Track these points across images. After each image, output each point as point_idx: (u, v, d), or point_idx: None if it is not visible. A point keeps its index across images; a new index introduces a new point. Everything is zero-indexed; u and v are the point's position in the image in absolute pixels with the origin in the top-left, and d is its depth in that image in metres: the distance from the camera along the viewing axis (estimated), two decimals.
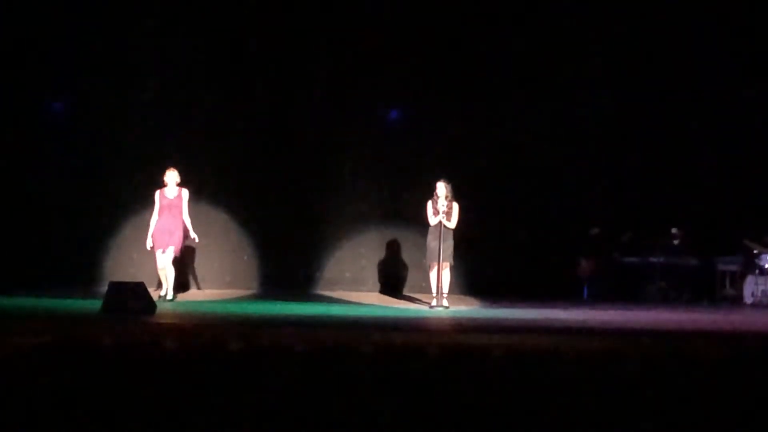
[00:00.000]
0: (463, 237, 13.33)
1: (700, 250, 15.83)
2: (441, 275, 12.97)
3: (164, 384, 5.60)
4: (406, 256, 15.66)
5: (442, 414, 5.08)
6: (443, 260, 12.90)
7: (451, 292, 13.33)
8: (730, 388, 5.95)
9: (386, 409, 5.08)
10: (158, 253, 13.08)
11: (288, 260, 15.66)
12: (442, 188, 12.98)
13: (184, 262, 14.48)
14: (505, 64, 15.78)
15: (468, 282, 15.52)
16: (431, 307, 13.08)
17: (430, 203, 13.05)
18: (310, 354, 6.87)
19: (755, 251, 15.40)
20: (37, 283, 14.25)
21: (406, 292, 15.46)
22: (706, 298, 15.67)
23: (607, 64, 15.86)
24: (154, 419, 4.86)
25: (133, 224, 14.83)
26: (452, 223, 12.97)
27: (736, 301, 15.50)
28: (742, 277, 15.63)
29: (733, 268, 15.88)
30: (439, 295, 13.02)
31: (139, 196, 13.93)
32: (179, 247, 13.17)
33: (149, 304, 11.13)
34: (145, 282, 11.72)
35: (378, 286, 15.84)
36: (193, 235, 13.20)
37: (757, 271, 15.33)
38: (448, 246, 12.95)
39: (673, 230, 15.92)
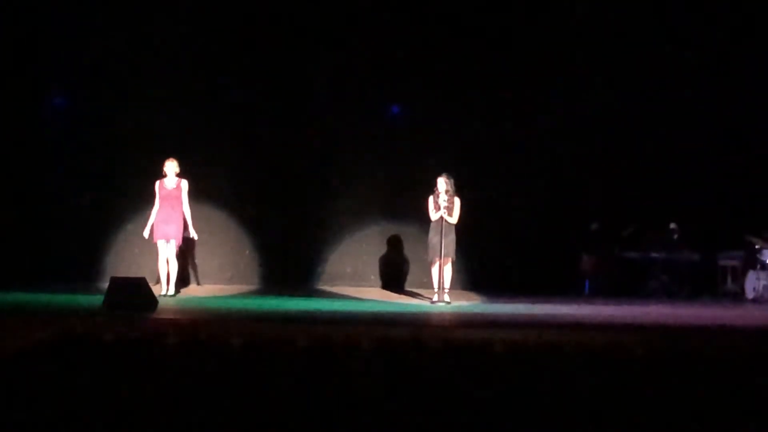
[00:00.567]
0: (464, 232, 13.33)
1: (702, 246, 15.83)
2: (442, 270, 12.98)
3: (166, 380, 5.61)
4: (408, 251, 15.67)
5: (444, 409, 5.08)
6: (445, 255, 12.91)
7: (452, 287, 13.34)
8: (731, 384, 5.96)
9: (388, 404, 5.08)
10: (160, 245, 13.07)
11: (289, 255, 15.67)
12: (443, 183, 12.97)
13: (184, 257, 14.48)
14: (507, 59, 15.78)
15: (469, 277, 15.54)
16: (432, 302, 13.09)
17: (431, 198, 13.05)
18: (312, 349, 6.87)
19: (756, 246, 15.39)
20: (39, 278, 14.26)
21: (407, 288, 15.47)
22: (708, 293, 15.68)
23: (609, 59, 15.85)
24: (157, 415, 4.86)
25: (135, 220, 14.83)
26: (453, 218, 12.97)
27: (738, 296, 15.50)
28: (744, 272, 15.63)
29: (734, 263, 15.89)
30: (440, 291, 13.04)
31: (141, 192, 13.91)
32: (180, 238, 13.15)
33: (151, 300, 11.11)
34: (146, 278, 11.72)
35: (379, 281, 15.86)
36: (191, 231, 13.16)
37: (758, 266, 15.32)
38: (449, 241, 12.95)
39: (671, 225, 15.92)
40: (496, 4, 15.71)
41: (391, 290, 15.30)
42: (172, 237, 13.03)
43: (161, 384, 5.46)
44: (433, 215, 12.99)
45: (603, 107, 15.91)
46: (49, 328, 7.95)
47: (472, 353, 6.94)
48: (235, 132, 15.64)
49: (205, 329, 8.82)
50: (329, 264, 15.87)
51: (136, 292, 11.00)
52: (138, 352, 6.64)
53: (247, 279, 15.61)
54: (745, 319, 12.01)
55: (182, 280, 14.28)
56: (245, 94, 15.61)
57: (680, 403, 5.40)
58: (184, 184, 13.17)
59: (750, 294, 15.34)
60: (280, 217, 15.64)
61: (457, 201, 13.01)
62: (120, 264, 15.07)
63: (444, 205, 12.87)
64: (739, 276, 15.74)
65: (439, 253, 12.88)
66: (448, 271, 13.07)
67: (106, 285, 11.47)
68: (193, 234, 13.24)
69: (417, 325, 10.62)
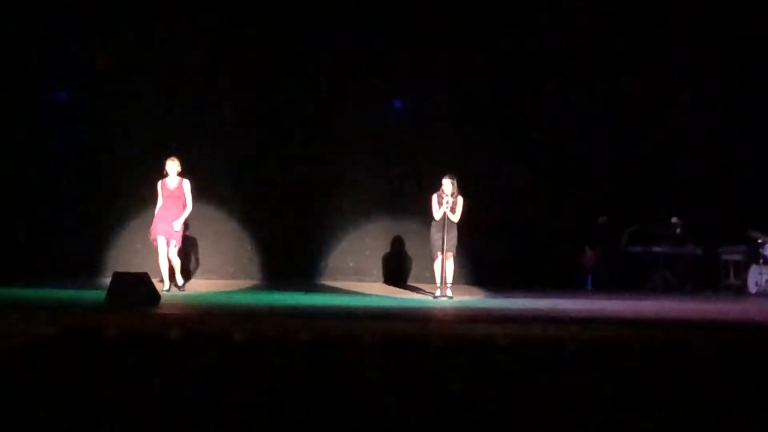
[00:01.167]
0: (468, 227, 13.34)
1: (704, 240, 15.83)
2: (445, 266, 13.00)
3: (169, 374, 5.61)
4: (410, 246, 15.68)
5: (446, 403, 5.08)
6: (447, 250, 12.92)
7: (455, 282, 13.35)
8: (734, 378, 5.96)
9: (391, 399, 5.09)
10: (160, 243, 13.06)
11: (292, 250, 15.67)
12: (448, 185, 12.98)
13: (186, 252, 14.49)
14: (511, 54, 15.77)
15: (472, 272, 15.54)
16: (435, 297, 13.10)
17: (435, 197, 13.06)
18: (315, 344, 6.88)
19: (759, 241, 15.39)
20: (41, 274, 14.27)
21: (409, 283, 15.48)
22: (710, 287, 15.68)
23: (613, 55, 15.84)
24: (160, 409, 4.87)
25: (138, 215, 14.84)
26: (456, 216, 12.99)
27: (740, 290, 15.50)
28: (746, 266, 15.63)
29: (737, 257, 15.89)
30: (443, 285, 13.06)
31: (144, 187, 13.92)
32: (180, 237, 13.16)
33: (153, 295, 11.12)
34: (149, 273, 11.72)
35: (382, 276, 15.86)
36: (177, 224, 13.08)
37: (761, 261, 15.32)
38: (452, 237, 12.97)
39: (674, 219, 15.91)
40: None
41: (394, 285, 15.30)
42: (171, 236, 13.04)
43: (164, 379, 5.47)
44: (437, 214, 13.00)
45: (607, 101, 15.91)
46: (52, 324, 7.95)
47: (475, 348, 6.94)
48: (237, 128, 15.64)
49: (207, 324, 8.82)
50: (331, 259, 15.88)
51: (139, 287, 11.00)
52: (141, 347, 6.64)
53: (249, 274, 15.62)
54: (748, 313, 12.01)
55: (184, 275, 14.28)
56: (247, 90, 15.61)
57: (682, 397, 5.40)
58: (186, 183, 13.17)
59: (752, 288, 15.33)
60: (282, 212, 15.65)
61: (460, 200, 13.03)
62: (122, 259, 15.08)
63: (447, 204, 12.89)
64: (742, 270, 15.75)
65: (441, 249, 12.90)
66: (450, 266, 13.09)
67: (108, 280, 11.47)
68: (177, 226, 13.12)
69: (420, 319, 10.62)
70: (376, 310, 11.32)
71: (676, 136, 15.87)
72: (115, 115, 15.44)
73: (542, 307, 12.06)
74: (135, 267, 13.63)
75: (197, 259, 15.25)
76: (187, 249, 14.51)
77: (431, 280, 13.59)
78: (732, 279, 15.92)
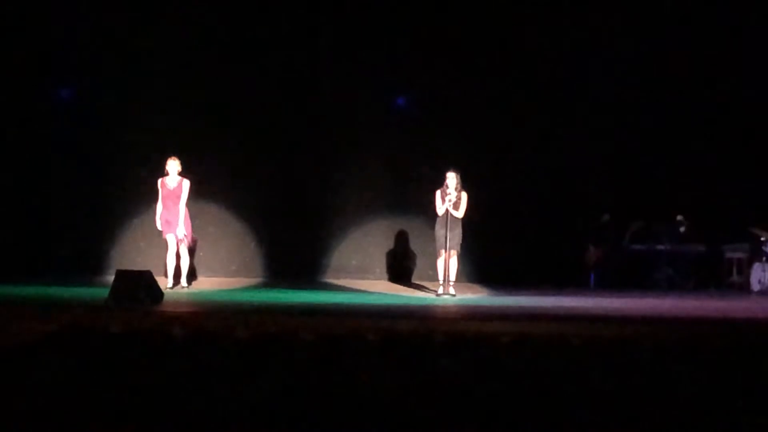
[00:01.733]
0: (471, 225, 13.34)
1: (707, 238, 15.80)
2: (448, 263, 12.99)
3: (171, 372, 5.61)
4: (413, 244, 15.67)
5: (449, 402, 5.08)
6: (450, 248, 12.92)
7: (458, 280, 13.35)
8: (736, 376, 5.95)
9: (394, 397, 5.08)
10: (169, 239, 13.10)
11: (295, 248, 15.66)
12: (452, 179, 12.99)
13: (189, 250, 14.49)
14: (514, 52, 15.75)
15: (475, 270, 15.53)
16: (438, 294, 13.09)
17: (438, 193, 13.06)
18: (318, 342, 6.87)
19: (762, 238, 15.36)
20: (45, 271, 14.28)
21: (412, 280, 15.47)
22: (713, 285, 15.66)
23: (616, 52, 15.81)
24: (162, 408, 4.87)
25: (141, 213, 14.84)
26: (460, 212, 12.99)
27: (743, 288, 15.48)
28: (749, 264, 15.60)
29: (739, 255, 15.87)
30: (446, 283, 13.05)
31: (147, 185, 13.93)
32: (190, 235, 13.25)
33: (156, 293, 11.13)
34: (152, 271, 11.73)
35: (385, 274, 15.86)
36: (179, 231, 13.13)
37: (764, 259, 15.29)
38: (455, 234, 12.97)
39: (679, 217, 15.89)
40: None
41: (397, 283, 15.29)
42: (181, 234, 13.11)
43: (167, 377, 5.47)
44: (440, 209, 13.00)
45: (610, 99, 15.87)
46: (55, 321, 7.96)
47: (478, 345, 6.94)
48: (240, 125, 15.62)
49: (210, 322, 8.83)
50: (334, 257, 15.87)
51: (142, 284, 11.01)
52: (144, 345, 6.65)
53: (252, 272, 15.62)
54: (750, 311, 12.00)
55: (191, 276, 14.30)
56: (249, 87, 15.59)
57: (685, 395, 5.39)
58: (186, 183, 13.18)
59: (755, 286, 15.31)
60: (285, 209, 15.63)
61: (464, 196, 13.03)
62: (126, 257, 15.08)
63: (452, 200, 12.88)
64: (745, 268, 15.72)
65: (445, 246, 12.90)
66: (453, 263, 13.08)
67: (111, 278, 11.48)
68: (180, 233, 13.20)
69: (423, 317, 10.62)
70: (379, 308, 11.33)
71: (681, 133, 15.83)
72: (118, 113, 15.43)
73: (545, 305, 12.07)
74: (138, 265, 13.65)
75: (199, 257, 15.22)
76: (190, 247, 14.52)
77: (435, 277, 13.59)
78: (735, 277, 15.90)
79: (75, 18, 15.32)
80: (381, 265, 15.90)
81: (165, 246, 13.29)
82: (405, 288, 14.77)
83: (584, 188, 15.86)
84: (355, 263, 15.90)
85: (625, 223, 15.91)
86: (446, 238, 12.85)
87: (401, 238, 15.77)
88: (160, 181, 13.21)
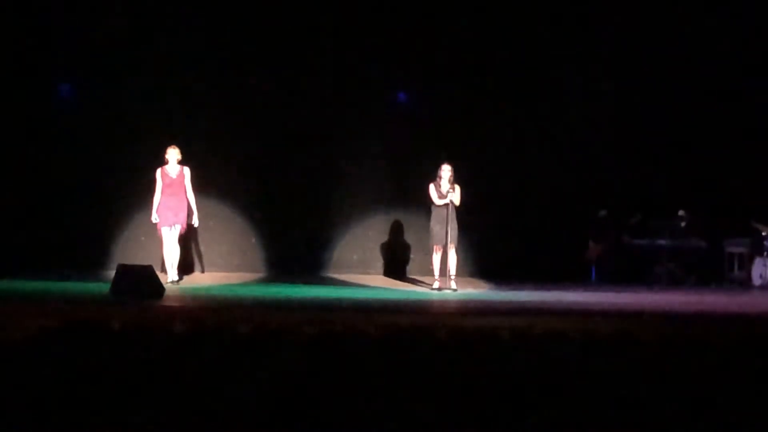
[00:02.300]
0: (471, 219, 13.35)
1: (708, 233, 15.80)
2: (448, 258, 13.00)
3: (173, 367, 5.61)
4: (414, 239, 15.65)
5: (450, 397, 5.08)
6: (451, 242, 12.93)
7: (458, 274, 13.36)
8: (737, 371, 5.95)
9: (395, 393, 5.08)
10: (164, 232, 13.04)
11: (295, 243, 15.66)
12: (447, 171, 13.02)
13: (189, 244, 14.50)
14: (511, 45, 15.73)
15: (476, 264, 15.53)
16: (438, 289, 13.09)
17: (432, 186, 13.08)
18: (319, 337, 6.87)
19: (763, 233, 15.36)
20: (46, 266, 14.27)
21: (413, 275, 15.46)
22: (714, 280, 15.66)
23: (615, 45, 15.80)
24: (162, 403, 4.87)
25: (142, 207, 14.81)
26: (458, 202, 13.02)
27: (744, 283, 15.48)
28: (750, 259, 15.61)
29: (741, 250, 15.86)
30: (446, 278, 13.05)
31: (149, 179, 13.90)
32: (184, 225, 13.16)
33: (157, 288, 11.13)
34: (153, 265, 11.73)
35: (385, 268, 15.85)
36: (194, 218, 13.16)
37: (765, 253, 15.29)
38: (454, 227, 12.99)
39: (680, 212, 15.89)
40: None
41: (398, 278, 15.29)
42: (177, 223, 13.03)
43: (168, 371, 5.47)
44: (439, 201, 12.99)
45: (610, 93, 15.86)
46: (55, 316, 7.96)
47: (479, 340, 6.94)
48: (240, 119, 15.61)
49: (211, 317, 8.84)
50: (335, 252, 15.86)
51: (143, 279, 11.02)
52: (145, 340, 6.65)
53: (253, 266, 15.62)
54: (752, 306, 12.01)
55: (187, 268, 14.29)
56: (250, 80, 15.58)
57: (686, 390, 5.39)
58: (187, 171, 13.16)
59: (757, 281, 15.32)
60: (286, 204, 15.62)
61: (457, 188, 13.06)
62: (127, 251, 15.06)
63: (448, 191, 12.89)
64: (746, 263, 15.72)
65: (445, 241, 12.90)
66: (453, 257, 13.09)
67: (112, 272, 11.49)
68: (195, 221, 13.24)
69: (424, 312, 10.65)
70: (380, 303, 11.33)
71: (680, 128, 15.82)
72: (119, 109, 15.40)
73: (546, 300, 12.08)
74: (139, 259, 13.63)
75: (200, 251, 15.22)
76: (190, 241, 14.51)
77: (439, 272, 13.56)
78: (736, 272, 15.90)
79: (74, 10, 15.29)
80: (381, 260, 15.90)
81: (162, 240, 13.22)
82: (406, 283, 14.78)
83: (586, 183, 15.83)
84: (356, 258, 15.90)
85: (625, 219, 15.90)
86: (447, 231, 12.86)
87: (402, 234, 15.76)
88: (159, 170, 13.14)
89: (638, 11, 15.73)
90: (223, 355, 6.06)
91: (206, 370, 5.53)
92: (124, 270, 11.27)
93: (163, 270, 13.23)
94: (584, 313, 10.22)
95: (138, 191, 14.85)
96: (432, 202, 13.12)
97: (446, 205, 12.92)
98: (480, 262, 15.59)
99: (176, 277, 13.14)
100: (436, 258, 13.16)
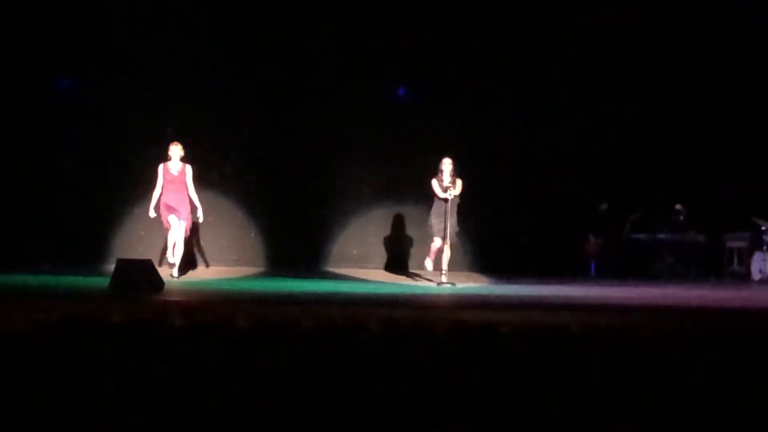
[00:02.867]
0: (471, 214, 13.35)
1: (708, 227, 15.81)
2: (444, 252, 13.02)
3: (172, 362, 5.61)
4: (414, 234, 15.66)
5: (450, 391, 5.08)
6: (450, 236, 12.94)
7: (459, 269, 13.39)
8: (737, 365, 5.95)
9: (395, 387, 5.08)
10: (171, 220, 12.97)
11: (295, 237, 15.67)
12: (448, 164, 13.03)
13: (190, 240, 14.49)
14: (513, 41, 15.73)
15: (476, 259, 15.54)
16: (439, 284, 13.09)
17: (435, 180, 13.08)
18: (318, 331, 6.87)
19: (763, 227, 15.37)
20: (45, 260, 14.28)
21: (413, 270, 15.47)
22: (714, 274, 15.67)
23: (614, 42, 15.78)
24: (163, 397, 4.87)
25: (142, 201, 14.79)
26: (458, 196, 13.04)
27: (744, 277, 15.49)
28: (750, 253, 15.62)
29: (740, 244, 15.88)
30: (446, 272, 13.06)
31: (148, 173, 13.90)
32: (189, 221, 13.17)
33: (157, 282, 11.13)
34: (153, 259, 11.72)
35: (385, 263, 15.86)
36: (199, 214, 13.17)
37: (764, 248, 15.31)
38: (453, 224, 13.01)
39: (677, 206, 15.90)
40: None
41: (397, 272, 15.30)
42: (183, 220, 13.03)
43: (167, 366, 5.47)
44: (443, 195, 12.99)
45: (610, 87, 15.85)
46: (55, 310, 7.96)
47: (479, 335, 6.94)
48: (239, 114, 15.62)
49: (211, 311, 8.84)
50: (335, 246, 15.87)
51: (143, 273, 11.01)
52: (144, 334, 6.64)
53: (253, 261, 15.62)
54: (751, 300, 12.01)
55: (189, 263, 14.28)
56: (250, 75, 15.58)
57: (686, 385, 5.39)
58: (189, 169, 13.15)
59: (756, 275, 15.33)
60: (286, 199, 15.63)
61: (459, 181, 13.07)
62: (126, 246, 15.07)
63: (449, 185, 12.90)
64: (746, 257, 15.73)
65: (446, 235, 12.90)
66: (447, 253, 13.11)
67: (112, 267, 11.48)
68: (200, 217, 13.25)
69: (425, 306, 10.64)
70: (380, 298, 11.33)
71: (680, 122, 15.82)
72: (119, 102, 15.40)
73: (546, 294, 12.08)
74: (139, 253, 13.66)
75: (201, 246, 15.22)
76: (190, 236, 14.50)
77: (435, 267, 13.57)
78: (735, 266, 15.91)
79: (75, 4, 15.29)
80: (381, 254, 15.91)
81: (165, 233, 13.20)
82: (406, 277, 14.79)
83: (585, 177, 15.83)
84: (356, 253, 15.91)
85: (625, 213, 15.91)
86: (446, 226, 12.86)
87: (401, 228, 15.76)
88: (162, 166, 13.14)
89: (638, 10, 15.73)
90: (223, 350, 6.06)
91: (206, 365, 5.53)
92: (124, 264, 11.25)
93: (162, 264, 13.23)
94: (584, 308, 10.22)
95: (138, 186, 14.86)
96: (436, 197, 13.12)
97: (447, 199, 12.93)
98: (480, 256, 15.59)
99: (177, 274, 13.13)
100: (439, 252, 13.15)
